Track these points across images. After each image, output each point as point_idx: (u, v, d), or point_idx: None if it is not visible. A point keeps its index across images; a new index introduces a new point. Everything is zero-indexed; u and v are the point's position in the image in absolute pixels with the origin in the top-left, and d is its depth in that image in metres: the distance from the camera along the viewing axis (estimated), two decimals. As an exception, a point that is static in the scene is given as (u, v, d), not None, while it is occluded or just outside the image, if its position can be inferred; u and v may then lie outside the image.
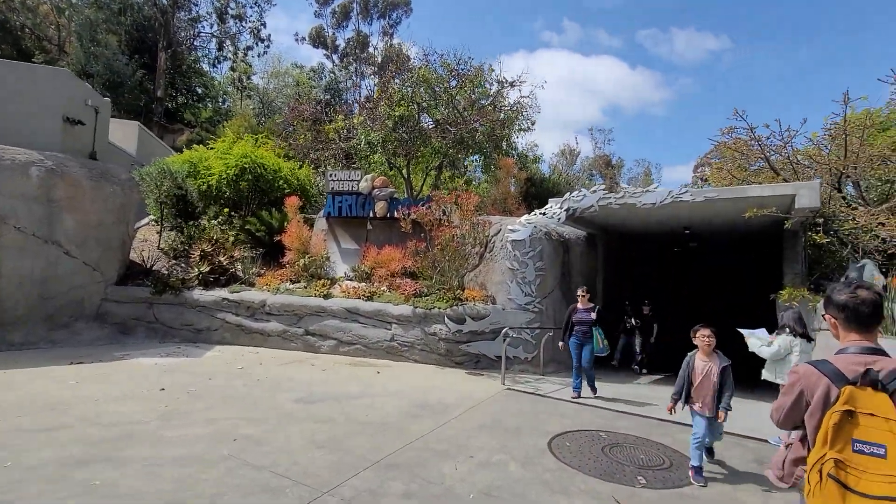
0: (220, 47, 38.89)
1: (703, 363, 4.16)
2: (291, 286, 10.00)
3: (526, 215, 9.57)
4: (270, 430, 4.79)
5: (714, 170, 12.05)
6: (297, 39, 47.16)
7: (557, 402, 6.58)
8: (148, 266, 10.57)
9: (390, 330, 8.98)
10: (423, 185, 14.62)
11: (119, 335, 9.52)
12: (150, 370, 7.14)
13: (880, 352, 1.82)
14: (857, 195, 9.55)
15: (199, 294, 9.82)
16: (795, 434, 2.00)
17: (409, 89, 11.98)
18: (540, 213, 9.50)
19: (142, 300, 9.76)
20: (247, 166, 12.08)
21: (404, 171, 13.51)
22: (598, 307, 7.16)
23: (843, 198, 9.07)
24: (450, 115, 12.05)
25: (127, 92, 26.01)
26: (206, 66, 37.88)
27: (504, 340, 7.84)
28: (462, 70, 12.75)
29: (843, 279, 7.01)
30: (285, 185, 12.74)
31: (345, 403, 5.88)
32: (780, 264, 9.85)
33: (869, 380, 1.68)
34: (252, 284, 10.37)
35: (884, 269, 7.07)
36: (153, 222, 12.85)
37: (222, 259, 10.54)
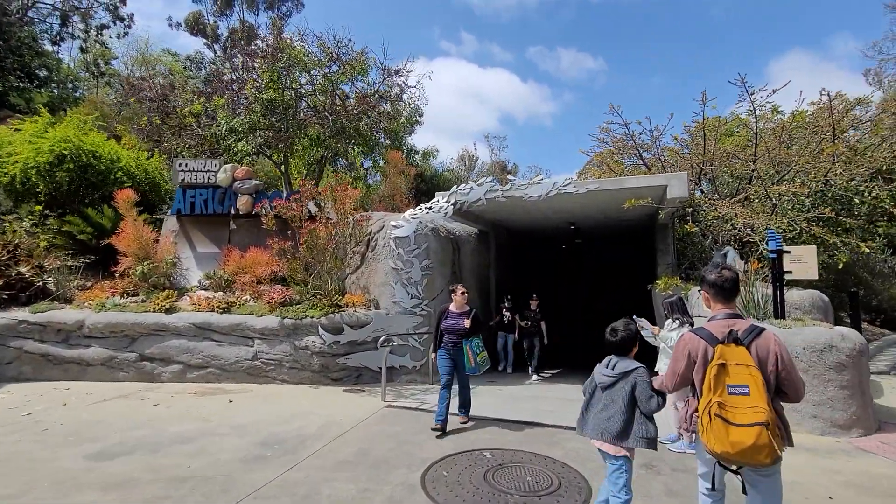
0: (64, 22, 32.69)
1: None
2: (124, 300, 8.01)
3: (410, 210, 8.77)
4: (22, 511, 3.28)
5: (595, 171, 12.48)
6: (171, 25, 41.69)
7: (442, 416, 5.80)
8: None
9: (252, 347, 7.54)
10: (316, 183, 13.14)
11: None
12: None
13: (737, 316, 2.43)
14: (713, 190, 10.34)
15: (-17, 317, 7.40)
16: (680, 394, 2.63)
17: (280, 70, 10.51)
18: (426, 208, 8.76)
19: None
20: (67, 153, 9.62)
21: (282, 166, 11.98)
22: (474, 311, 5.57)
23: (702, 191, 9.71)
24: (328, 102, 10.84)
25: (-77, 66, 20.37)
26: (47, 45, 31.51)
27: (386, 348, 6.91)
28: (342, 55, 11.61)
29: (709, 265, 7.27)
30: (125, 178, 10.44)
31: (163, 452, 4.46)
32: (655, 257, 10.33)
33: (732, 338, 2.21)
34: (69, 300, 8.15)
35: (742, 256, 7.49)
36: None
37: (23, 270, 8.14)
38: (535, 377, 8.94)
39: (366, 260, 8.80)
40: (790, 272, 5.86)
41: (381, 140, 13.70)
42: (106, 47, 33.77)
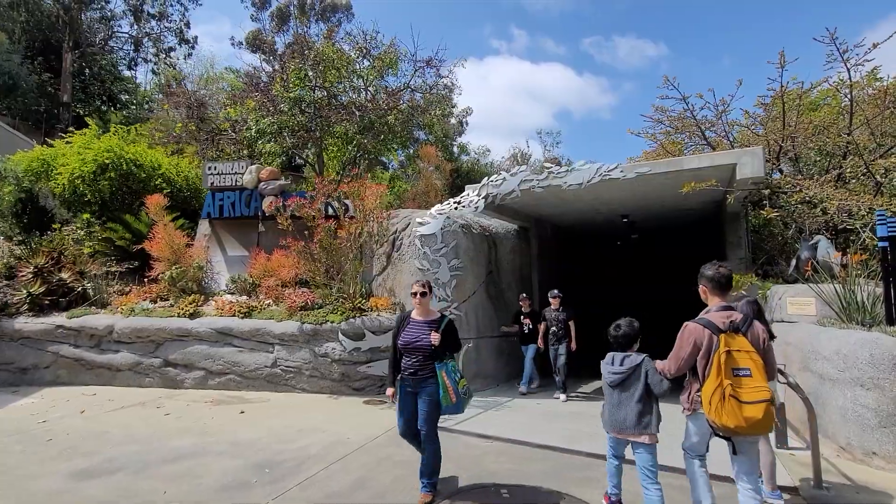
0: (137, 48, 35.44)
1: None
2: (151, 305, 7.99)
3: (438, 205, 8.08)
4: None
5: (649, 156, 11.12)
6: (233, 44, 44.24)
7: (460, 436, 5.06)
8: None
9: (272, 353, 7.19)
10: (339, 181, 12.89)
11: None
12: None
13: (731, 308, 2.77)
14: (796, 171, 8.74)
15: (24, 322, 7.62)
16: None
17: (308, 68, 10.26)
18: (454, 203, 8.02)
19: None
20: (109, 161, 9.91)
21: (315, 166, 11.79)
22: (448, 319, 3.65)
23: (781, 172, 8.20)
24: (357, 97, 10.45)
25: (21, 95, 22.63)
26: (125, 71, 34.30)
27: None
28: (371, 48, 11.20)
29: (794, 259, 5.97)
30: (165, 185, 10.64)
31: (147, 473, 4.07)
32: (725, 251, 8.92)
33: (733, 327, 2.59)
34: (105, 305, 8.26)
35: (837, 247, 6.07)
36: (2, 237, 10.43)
37: (65, 276, 8.36)
38: (562, 396, 7.00)
39: (391, 260, 8.24)
40: (909, 265, 4.51)
41: (419, 136, 13.17)
42: (174, 68, 36.22)
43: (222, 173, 9.28)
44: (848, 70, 7.45)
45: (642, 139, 9.88)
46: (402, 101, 10.83)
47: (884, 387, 3.93)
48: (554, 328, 7.32)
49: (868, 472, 3.87)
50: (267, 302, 7.94)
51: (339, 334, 6.99)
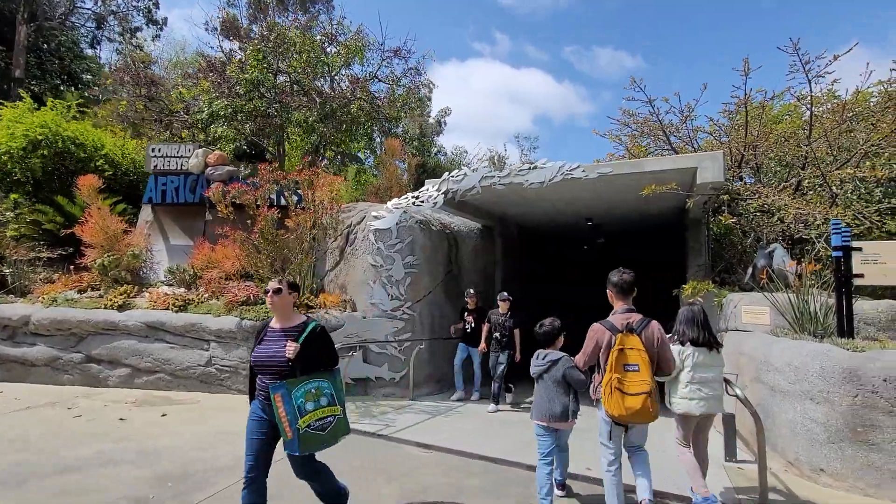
0: (99, 25, 33.56)
1: None
2: (77, 296, 7.31)
3: (395, 199, 7.70)
4: None
5: (613, 159, 11.06)
6: (207, 29, 42.57)
7: (398, 445, 4.70)
8: None
9: (207, 351, 6.65)
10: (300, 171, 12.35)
11: None
12: None
13: (633, 310, 3.10)
14: (756, 181, 8.78)
15: (-75, 311, 6.83)
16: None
17: (268, 50, 9.70)
18: (412, 197, 7.66)
19: None
20: (42, 138, 9.10)
21: (273, 154, 11.20)
22: (314, 325, 2.82)
23: (741, 179, 8.19)
24: (321, 84, 9.95)
25: (-37, 67, 20.92)
26: (86, 48, 32.33)
27: (351, 356, 5.87)
28: (339, 35, 10.73)
29: (750, 267, 5.88)
30: (107, 167, 9.86)
31: (30, 487, 3.54)
32: (685, 258, 8.89)
33: (628, 328, 2.92)
34: (25, 294, 7.53)
35: (793, 256, 6.01)
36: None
37: (-21, 260, 7.58)
38: (492, 405, 6.28)
39: (344, 255, 7.81)
40: (862, 276, 4.43)
41: (395, 130, 12.74)
42: (140, 49, 34.44)
43: (167, 156, 8.63)
44: (809, 81, 7.49)
45: (616, 145, 9.75)
46: (370, 93, 10.38)
47: (833, 401, 3.79)
48: (497, 334, 6.51)
49: (815, 490, 3.72)
50: (207, 295, 7.38)
51: (282, 332, 6.52)
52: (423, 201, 7.65)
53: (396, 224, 7.33)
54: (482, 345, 6.83)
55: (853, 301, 4.47)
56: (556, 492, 3.49)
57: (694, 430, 3.35)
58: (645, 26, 70.83)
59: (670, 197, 7.80)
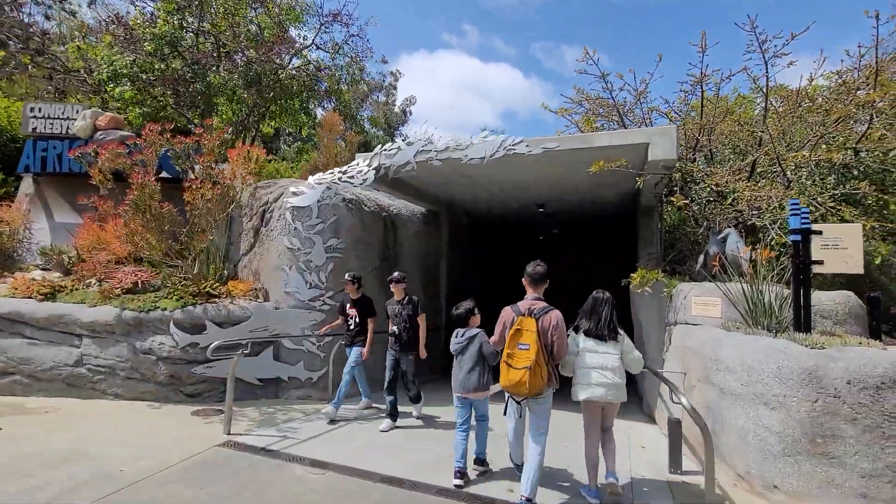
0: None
1: None
2: (-82, 280, 5.97)
3: (319, 174, 6.76)
4: None
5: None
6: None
7: (289, 465, 3.83)
8: None
9: (79, 348, 5.53)
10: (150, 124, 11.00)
11: None
12: None
13: (541, 299, 3.41)
14: (709, 167, 8.40)
15: None
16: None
17: (182, 2, 8.43)
18: (339, 172, 6.75)
19: None
20: None
21: (195, 125, 9.94)
22: None
23: (694, 161, 7.77)
24: (243, 44, 8.79)
25: None
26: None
27: (240, 353, 4.94)
28: (270, -8, 9.55)
29: (702, 254, 5.36)
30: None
31: None
32: (637, 246, 8.43)
33: (529, 312, 3.25)
34: None
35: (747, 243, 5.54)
36: None
37: None
38: (387, 422, 4.94)
39: (259, 237, 6.80)
40: (821, 262, 3.92)
41: (339, 105, 11.67)
42: (73, 16, 31.18)
43: (49, 117, 7.30)
44: (765, 62, 7.09)
45: (567, 124, 9.10)
46: (309, 61, 9.30)
47: (790, 406, 3.24)
48: (396, 328, 5.00)
49: (767, 511, 3.17)
50: (92, 282, 6.22)
51: (171, 325, 5.49)
52: (351, 177, 6.75)
53: (318, 201, 6.40)
54: (366, 350, 5.31)
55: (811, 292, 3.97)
56: (474, 466, 3.79)
57: (601, 420, 3.48)
58: (612, 26, 71.68)
59: (623, 182, 7.26)
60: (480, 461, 3.83)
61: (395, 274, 5.27)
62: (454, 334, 3.80)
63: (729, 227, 5.63)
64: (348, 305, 5.43)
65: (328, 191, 6.52)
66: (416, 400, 5.27)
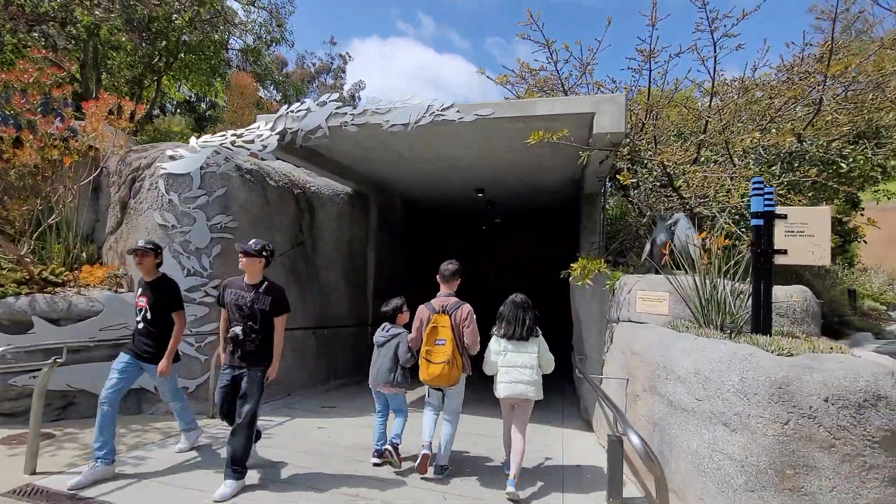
0: None
1: None
2: None
3: (205, 136, 5.52)
4: None
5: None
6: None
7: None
8: None
9: None
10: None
11: None
12: None
13: (451, 295, 3.72)
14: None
15: None
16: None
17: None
18: (233, 135, 5.53)
19: None
20: None
21: (79, 82, 8.19)
22: None
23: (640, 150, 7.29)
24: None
25: None
26: None
27: (52, 362, 3.71)
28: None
29: (648, 243, 4.75)
30: None
31: None
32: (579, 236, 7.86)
33: (442, 309, 3.57)
34: None
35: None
36: None
37: None
38: (225, 488, 3.08)
39: (127, 212, 5.45)
40: (784, 252, 3.34)
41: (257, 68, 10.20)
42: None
43: None
44: (714, 43, 6.65)
45: (483, 73, 8.20)
46: (216, 8, 7.87)
47: (755, 428, 2.58)
48: (238, 327, 3.24)
49: (727, 565, 2.49)
50: None
51: (-19, 323, 4.11)
52: (249, 142, 5.56)
53: (201, 168, 5.16)
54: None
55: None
56: (387, 447, 3.72)
57: (514, 417, 3.55)
58: (564, 23, 72.50)
59: (567, 165, 6.60)
60: (393, 447, 3.74)
61: (252, 242, 3.41)
62: (381, 327, 3.97)
63: (679, 212, 5.06)
64: (139, 292, 3.68)
65: (216, 156, 5.30)
66: (236, 457, 3.15)
